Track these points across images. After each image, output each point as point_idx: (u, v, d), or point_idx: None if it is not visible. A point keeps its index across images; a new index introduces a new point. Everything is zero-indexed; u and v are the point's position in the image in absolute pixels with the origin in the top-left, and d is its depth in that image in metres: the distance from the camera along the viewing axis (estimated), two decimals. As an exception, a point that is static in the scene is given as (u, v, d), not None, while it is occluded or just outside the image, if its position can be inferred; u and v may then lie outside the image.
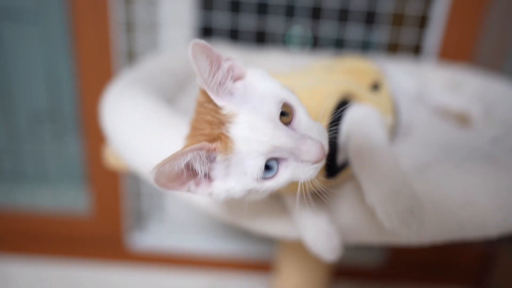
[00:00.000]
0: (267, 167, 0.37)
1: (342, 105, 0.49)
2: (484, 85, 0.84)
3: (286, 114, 0.38)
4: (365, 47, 1.12)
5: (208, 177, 0.39)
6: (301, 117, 0.38)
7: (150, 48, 1.11)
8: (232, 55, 0.98)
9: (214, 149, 0.37)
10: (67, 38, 1.10)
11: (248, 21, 1.05)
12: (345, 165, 0.50)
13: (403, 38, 1.05)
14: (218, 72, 0.37)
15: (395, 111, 0.64)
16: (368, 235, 0.51)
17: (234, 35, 1.08)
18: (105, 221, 1.26)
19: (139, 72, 0.68)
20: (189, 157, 0.35)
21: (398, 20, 1.06)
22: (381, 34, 1.08)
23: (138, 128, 0.54)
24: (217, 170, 0.38)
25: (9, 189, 1.30)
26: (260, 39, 1.09)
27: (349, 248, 1.35)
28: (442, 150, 0.62)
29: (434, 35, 1.02)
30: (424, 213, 0.42)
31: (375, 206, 0.43)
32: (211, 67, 0.36)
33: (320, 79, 0.56)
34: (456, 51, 1.01)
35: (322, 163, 0.38)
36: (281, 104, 0.37)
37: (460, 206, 0.49)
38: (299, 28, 1.12)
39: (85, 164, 1.20)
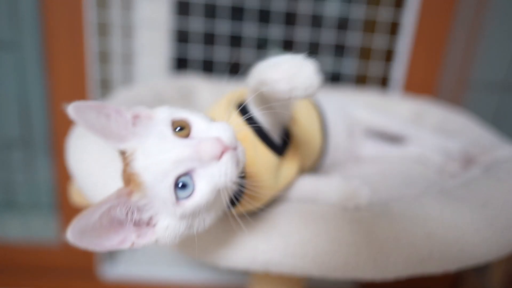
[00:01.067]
0: (183, 186, 0.36)
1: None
2: (445, 116, 0.89)
3: (183, 129, 0.38)
4: (335, 78, 1.16)
5: (150, 224, 0.38)
6: (198, 125, 0.38)
7: (125, 78, 1.12)
8: (203, 85, 1.00)
9: (130, 191, 0.36)
10: (41, 66, 1.10)
11: (222, 53, 1.08)
12: (285, 142, 0.53)
13: (371, 71, 1.10)
14: (113, 121, 0.38)
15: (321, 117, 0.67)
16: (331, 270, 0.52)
17: (208, 66, 1.11)
18: (76, 251, 1.22)
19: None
20: (104, 207, 0.34)
21: (366, 53, 1.11)
22: (350, 66, 1.13)
23: (100, 166, 0.54)
24: (148, 212, 0.37)
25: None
26: (234, 69, 1.12)
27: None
28: (399, 183, 0.65)
29: (399, 69, 1.07)
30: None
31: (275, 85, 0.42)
32: (99, 120, 0.38)
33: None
34: (420, 84, 1.06)
35: (230, 156, 0.36)
36: (171, 122, 0.38)
37: (420, 239, 0.51)
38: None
39: (55, 192, 1.18)
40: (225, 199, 0.39)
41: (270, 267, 0.52)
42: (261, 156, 0.49)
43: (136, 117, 0.40)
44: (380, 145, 0.79)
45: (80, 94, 1.05)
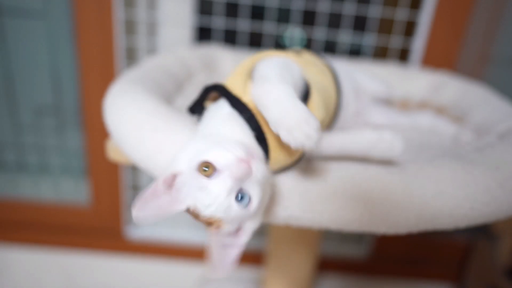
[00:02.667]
0: (242, 198, 0.45)
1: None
2: (463, 89, 0.90)
3: (207, 168, 0.44)
4: (355, 51, 1.17)
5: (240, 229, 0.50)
6: (215, 158, 0.44)
7: (150, 48, 1.16)
8: (226, 55, 1.03)
9: (218, 227, 0.47)
10: (71, 34, 1.15)
11: (243, 25, 1.10)
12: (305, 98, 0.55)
13: (391, 43, 1.10)
14: (162, 200, 0.46)
15: (336, 83, 0.67)
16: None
17: (230, 37, 1.13)
18: (104, 213, 1.31)
19: (139, 72, 0.73)
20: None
21: (386, 26, 1.12)
22: (371, 39, 1.14)
23: (138, 123, 0.58)
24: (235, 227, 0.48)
25: (13, 180, 1.35)
26: (255, 41, 1.14)
27: (335, 240, 1.41)
28: (415, 148, 0.68)
29: (419, 41, 1.08)
30: (319, 124, 0.44)
31: (277, 131, 0.45)
32: (158, 208, 0.46)
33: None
34: (440, 58, 1.07)
35: (255, 163, 0.44)
36: (196, 169, 0.45)
37: (433, 196, 0.54)
38: (297, 30, 1.17)
39: (86, 157, 1.25)
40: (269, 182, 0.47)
41: (290, 221, 0.57)
42: None
43: (166, 183, 0.47)
44: (389, 113, 0.80)
45: (108, 62, 1.10)
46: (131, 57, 1.15)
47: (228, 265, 0.47)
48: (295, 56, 0.61)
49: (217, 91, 0.53)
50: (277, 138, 0.48)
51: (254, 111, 0.49)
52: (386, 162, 0.57)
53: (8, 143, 1.30)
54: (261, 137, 0.50)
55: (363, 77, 0.78)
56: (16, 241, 1.32)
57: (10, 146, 1.30)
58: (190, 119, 0.59)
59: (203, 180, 0.44)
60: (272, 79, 0.48)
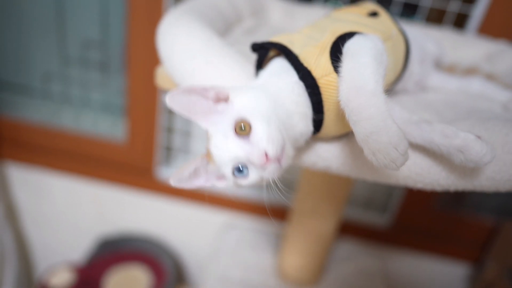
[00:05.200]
0: (240, 170, 0.48)
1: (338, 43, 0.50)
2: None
3: (244, 128, 0.46)
4: (409, 12, 1.12)
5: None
6: (256, 128, 0.46)
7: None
8: (276, 5, 1.00)
9: (208, 160, 0.51)
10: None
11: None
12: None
13: (450, 7, 1.05)
14: (200, 104, 0.49)
15: (406, 42, 0.64)
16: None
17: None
18: (138, 151, 1.36)
19: (192, 5, 0.73)
20: (193, 166, 0.51)
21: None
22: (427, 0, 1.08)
23: (191, 53, 0.59)
24: (220, 171, 0.51)
25: (57, 109, 1.41)
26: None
27: (360, 206, 1.42)
28: (464, 110, 0.66)
29: (479, 7, 1.01)
30: (408, 149, 0.42)
31: (362, 145, 0.44)
32: (188, 103, 0.48)
33: (324, 30, 0.55)
34: (499, 27, 1.01)
35: (273, 167, 0.46)
36: (233, 123, 0.47)
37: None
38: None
39: (126, 96, 1.29)
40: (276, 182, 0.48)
41: (330, 169, 0.58)
42: None
43: (217, 99, 0.49)
44: (443, 76, 0.79)
45: (156, 2, 1.10)
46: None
47: (188, 185, 0.51)
48: (379, 30, 0.57)
49: (288, 58, 0.52)
50: (335, 117, 0.50)
51: (322, 89, 0.50)
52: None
53: (55, 73, 1.35)
54: (319, 113, 0.51)
55: (425, 38, 0.76)
56: (56, 168, 1.40)
57: (57, 76, 1.36)
58: (242, 57, 0.59)
59: (232, 133, 0.47)
60: (368, 84, 0.44)
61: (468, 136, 0.48)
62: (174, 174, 0.50)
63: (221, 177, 0.52)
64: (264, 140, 0.46)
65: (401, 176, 0.56)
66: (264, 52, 0.55)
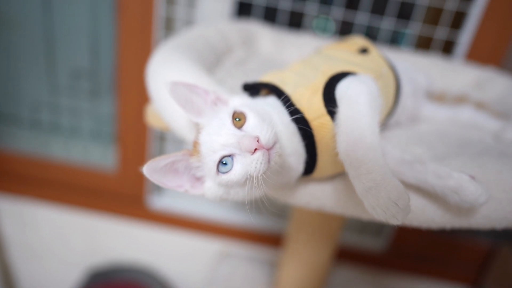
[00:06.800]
0: (225, 164, 0.46)
1: (330, 85, 0.50)
2: (509, 88, 0.86)
3: (239, 119, 0.47)
4: (395, 39, 1.13)
5: (200, 181, 0.50)
6: (250, 120, 0.47)
7: (188, 19, 1.15)
8: (265, 33, 1.00)
9: (191, 154, 0.48)
10: (112, 4, 1.15)
11: (285, 3, 1.08)
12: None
13: (436, 34, 1.06)
14: (197, 103, 0.50)
15: (396, 78, 0.64)
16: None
17: (270, 14, 1.11)
18: (129, 180, 1.34)
19: (182, 40, 0.72)
20: (171, 159, 0.48)
21: (432, 15, 1.07)
22: (414, 27, 1.09)
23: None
24: (200, 172, 0.49)
25: (46, 139, 1.39)
26: (295, 21, 1.12)
27: (355, 231, 1.40)
28: (456, 143, 0.66)
29: (467, 34, 1.03)
30: (409, 203, 0.42)
31: (362, 199, 0.44)
32: (188, 97, 0.50)
33: (316, 69, 0.56)
34: (487, 54, 1.02)
35: (262, 154, 0.44)
36: (232, 112, 0.47)
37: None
38: (324, 19, 1.15)
39: (116, 124, 1.27)
40: (260, 183, 0.46)
41: (324, 209, 0.58)
42: None
43: (217, 99, 0.51)
44: (434, 106, 0.79)
45: (146, 31, 1.10)
46: (169, 28, 1.15)
47: (160, 178, 0.48)
48: (370, 69, 0.57)
49: (280, 99, 0.52)
50: (329, 158, 0.50)
51: (315, 131, 0.50)
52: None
53: (44, 103, 1.33)
54: (312, 154, 0.51)
55: (415, 72, 0.76)
56: (45, 198, 1.37)
57: (46, 106, 1.34)
58: (233, 94, 0.59)
59: (227, 120, 0.47)
60: (366, 137, 0.44)
61: (462, 177, 0.48)
62: (149, 163, 0.47)
63: (199, 179, 0.50)
64: (257, 128, 0.46)
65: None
66: (255, 92, 0.55)
